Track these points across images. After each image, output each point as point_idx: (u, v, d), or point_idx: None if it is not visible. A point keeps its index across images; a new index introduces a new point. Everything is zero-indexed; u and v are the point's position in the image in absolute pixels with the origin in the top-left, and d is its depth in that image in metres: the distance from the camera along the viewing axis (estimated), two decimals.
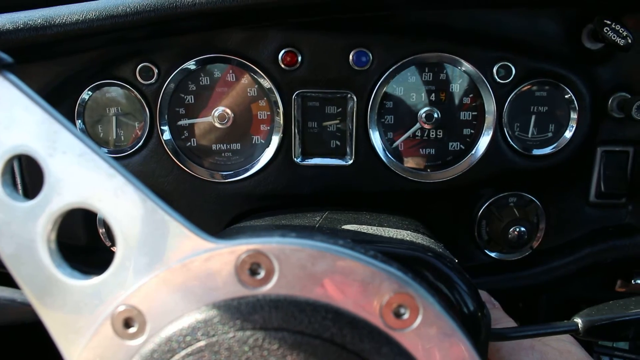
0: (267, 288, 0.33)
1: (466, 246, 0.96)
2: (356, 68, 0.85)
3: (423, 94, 0.88)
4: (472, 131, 0.89)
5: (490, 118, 0.87)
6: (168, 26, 0.80)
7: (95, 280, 0.35)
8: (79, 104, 0.88)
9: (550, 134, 0.89)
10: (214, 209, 0.92)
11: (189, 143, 0.90)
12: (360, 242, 0.38)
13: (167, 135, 0.89)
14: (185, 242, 0.34)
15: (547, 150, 0.89)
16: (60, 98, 0.87)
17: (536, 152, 0.89)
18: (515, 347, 0.63)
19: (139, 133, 0.90)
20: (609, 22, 0.79)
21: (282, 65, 0.85)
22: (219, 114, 0.87)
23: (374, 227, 0.69)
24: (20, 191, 0.89)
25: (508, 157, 0.89)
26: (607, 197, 0.93)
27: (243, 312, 0.33)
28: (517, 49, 0.86)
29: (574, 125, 0.88)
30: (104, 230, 0.93)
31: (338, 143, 0.90)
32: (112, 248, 0.94)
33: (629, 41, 0.79)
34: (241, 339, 0.33)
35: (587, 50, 0.86)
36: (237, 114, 0.89)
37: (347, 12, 0.83)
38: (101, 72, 0.87)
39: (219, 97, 0.88)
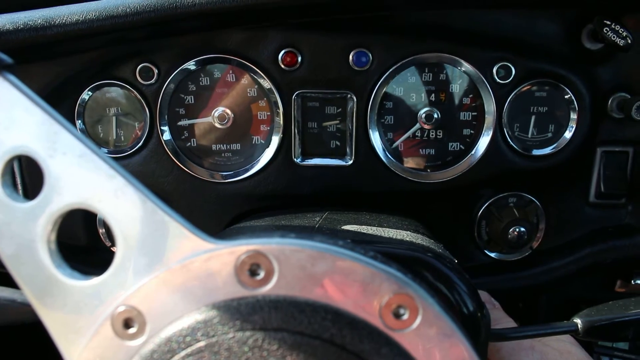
0: (267, 288, 0.33)
1: (466, 246, 0.96)
2: (356, 68, 0.85)
3: (423, 94, 0.88)
4: (472, 131, 0.89)
5: (490, 118, 0.87)
6: (168, 26, 0.80)
7: (95, 280, 0.35)
8: (79, 104, 0.88)
9: (550, 134, 0.89)
10: (213, 209, 0.92)
11: (189, 143, 0.90)
12: (360, 243, 0.38)
13: (167, 136, 0.89)
14: (185, 242, 0.34)
15: (547, 150, 0.89)
16: (60, 98, 0.87)
17: (536, 152, 0.89)
18: (515, 348, 0.63)
19: (139, 133, 0.90)
20: (608, 22, 0.79)
21: (282, 66, 0.85)
22: (219, 114, 0.87)
23: (374, 228, 0.69)
24: (20, 192, 0.89)
25: (508, 157, 0.89)
26: (607, 197, 0.93)
27: (243, 312, 0.33)
28: (517, 49, 0.85)
29: (574, 126, 0.88)
30: (104, 230, 0.93)
31: (338, 143, 0.90)
32: (112, 248, 0.94)
33: (629, 41, 0.79)
34: (241, 340, 0.33)
35: (587, 50, 0.86)
36: (237, 114, 0.89)
37: (347, 13, 0.83)
38: (101, 73, 0.87)
39: (219, 97, 0.88)
